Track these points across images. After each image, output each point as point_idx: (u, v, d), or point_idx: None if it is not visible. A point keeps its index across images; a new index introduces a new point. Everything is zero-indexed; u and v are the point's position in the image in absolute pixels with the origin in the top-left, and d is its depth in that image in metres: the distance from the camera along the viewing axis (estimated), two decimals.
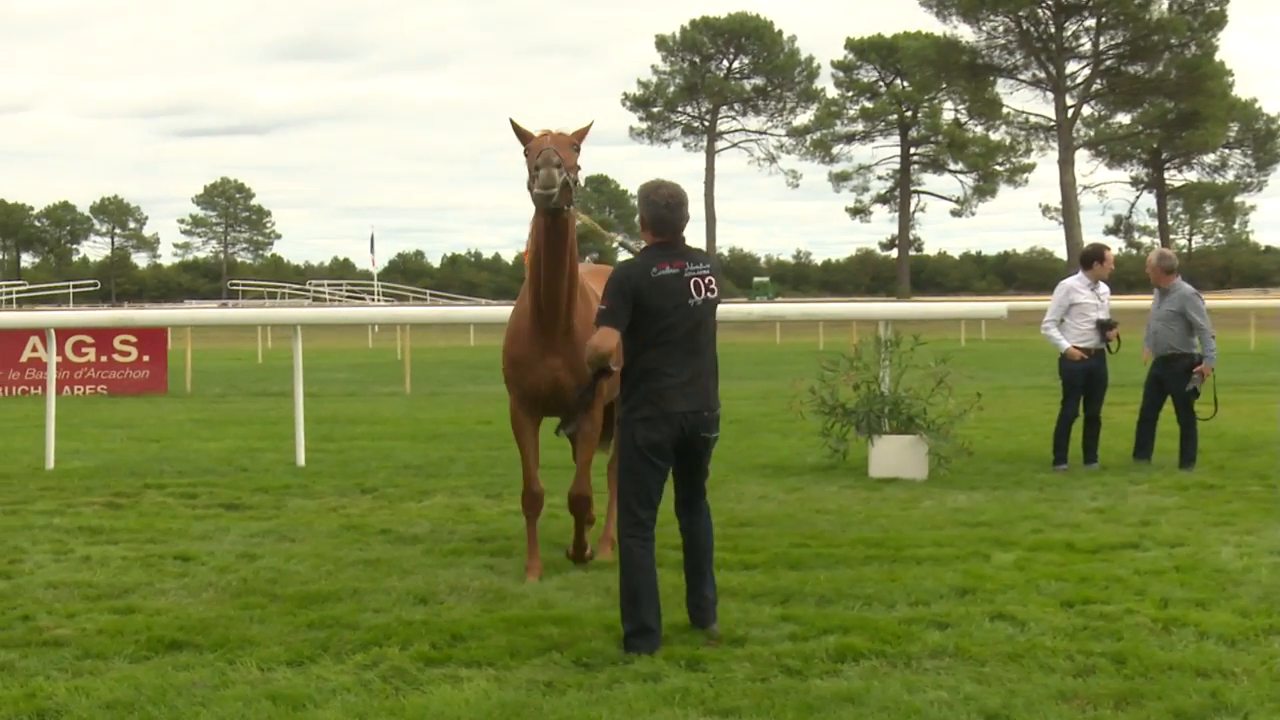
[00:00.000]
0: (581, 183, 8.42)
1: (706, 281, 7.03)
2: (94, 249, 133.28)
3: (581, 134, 8.32)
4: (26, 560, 9.35)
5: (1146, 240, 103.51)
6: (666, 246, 7.06)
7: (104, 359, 25.46)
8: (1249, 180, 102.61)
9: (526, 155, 8.08)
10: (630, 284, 6.90)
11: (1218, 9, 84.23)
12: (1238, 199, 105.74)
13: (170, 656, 6.95)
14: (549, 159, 7.84)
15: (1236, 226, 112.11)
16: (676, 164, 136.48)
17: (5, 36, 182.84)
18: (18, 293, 79.12)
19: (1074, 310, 13.42)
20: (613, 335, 6.92)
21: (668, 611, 7.11)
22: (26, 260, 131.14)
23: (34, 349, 24.78)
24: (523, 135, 8.22)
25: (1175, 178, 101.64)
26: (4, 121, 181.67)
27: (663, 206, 7.07)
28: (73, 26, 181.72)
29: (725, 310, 22.72)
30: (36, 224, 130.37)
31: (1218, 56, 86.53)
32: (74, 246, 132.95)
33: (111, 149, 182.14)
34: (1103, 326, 13.34)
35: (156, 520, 10.94)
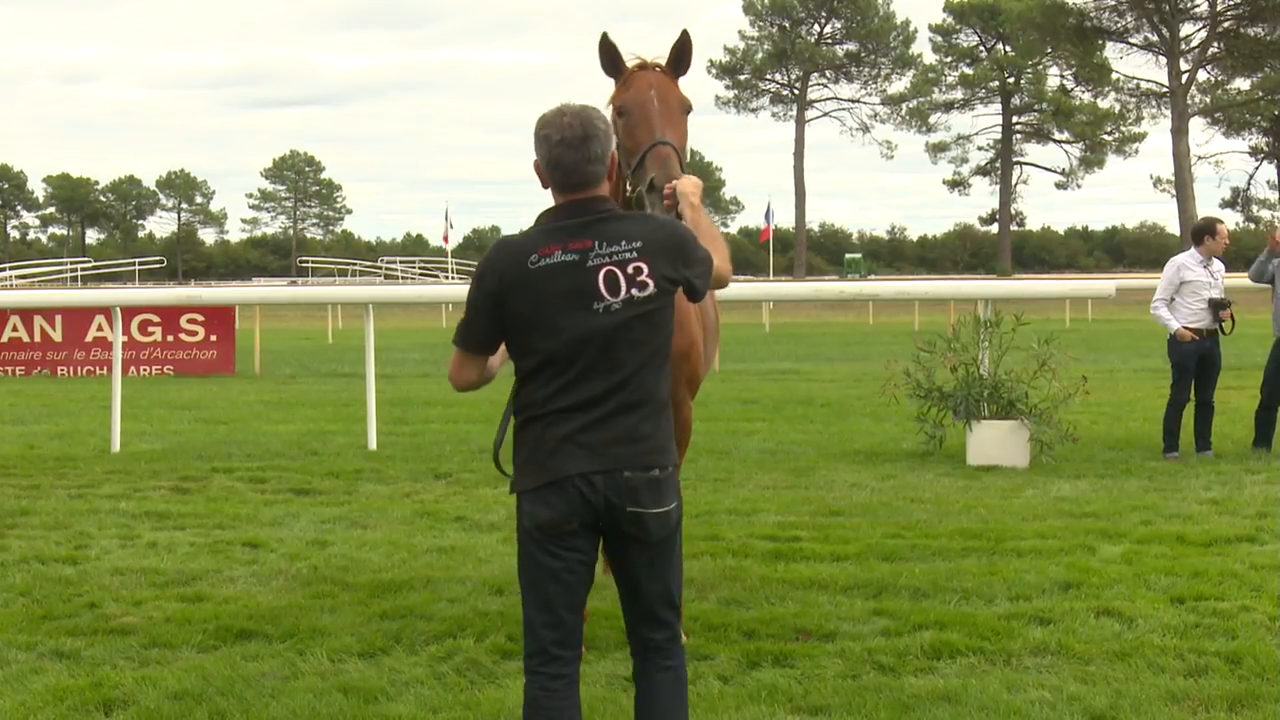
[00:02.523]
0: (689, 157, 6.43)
1: (630, 270, 4.53)
2: (160, 224, 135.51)
3: (682, 72, 6.49)
4: (93, 546, 9.53)
5: (1266, 214, 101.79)
6: (568, 212, 4.61)
7: (170, 338, 25.80)
8: None
9: (619, 110, 6.22)
10: (492, 279, 4.58)
11: None
12: None
13: (239, 646, 7.06)
14: (663, 155, 5.95)
15: None
16: (764, 134, 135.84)
17: (69, 4, 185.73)
18: (83, 270, 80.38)
19: (1185, 288, 13.22)
20: (466, 365, 4.78)
21: (758, 604, 7.07)
22: (92, 236, 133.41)
23: (99, 328, 25.24)
24: (615, 62, 6.46)
25: None
26: (68, 92, 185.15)
27: (557, 143, 4.57)
28: None
29: (816, 288, 22.60)
30: (102, 199, 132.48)
31: None
32: (140, 222, 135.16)
33: (177, 121, 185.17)
34: (1215, 306, 13.13)
35: (225, 505, 11.11)
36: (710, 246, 4.95)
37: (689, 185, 5.57)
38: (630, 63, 6.39)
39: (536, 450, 4.56)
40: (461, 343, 4.73)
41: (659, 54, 6.42)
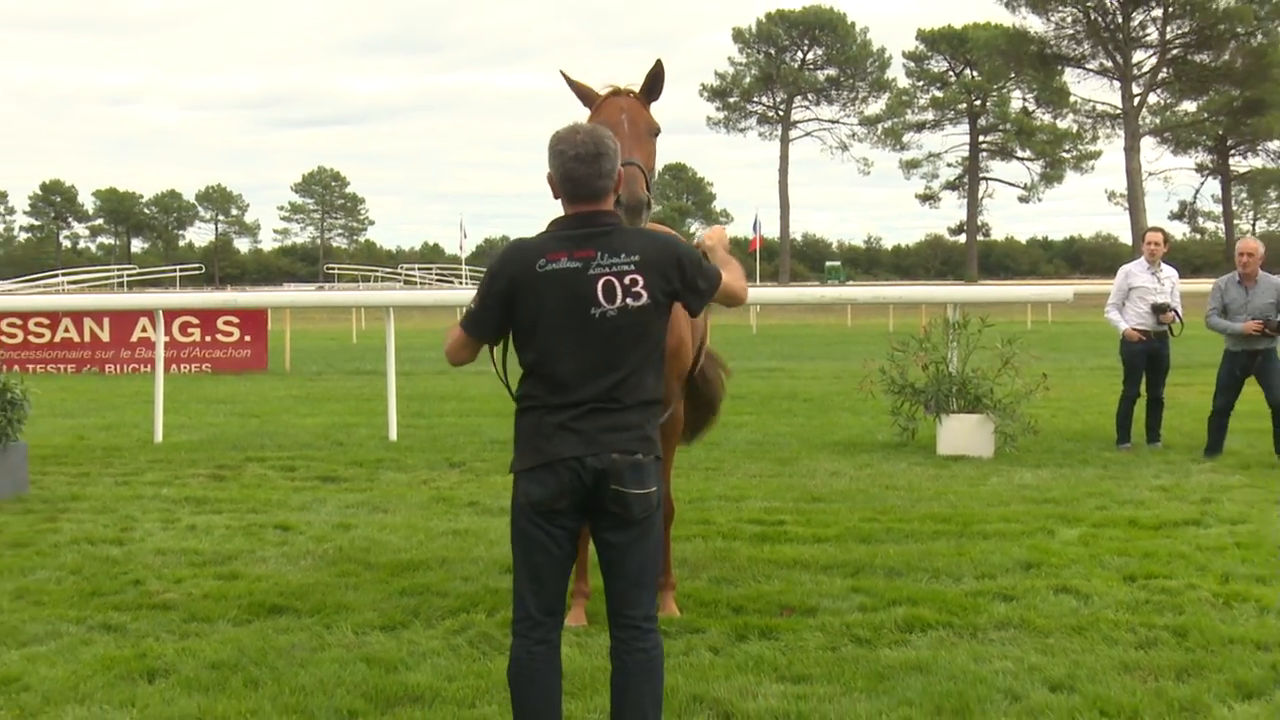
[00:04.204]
0: (656, 176, 6.39)
1: (627, 281, 4.56)
2: (199, 234, 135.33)
3: (654, 98, 6.33)
4: (137, 528, 9.52)
5: (1210, 226, 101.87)
6: (576, 223, 4.64)
7: (208, 339, 25.79)
8: None
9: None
10: (504, 278, 4.63)
11: None
12: None
13: (271, 620, 7.05)
14: (629, 176, 5.77)
15: None
16: (752, 152, 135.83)
17: (114, 33, 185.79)
18: (128, 276, 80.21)
19: (1133, 294, 13.25)
20: (466, 347, 4.86)
21: (745, 582, 7.05)
22: (136, 245, 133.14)
23: (143, 329, 25.27)
24: (585, 94, 6.40)
25: (1240, 164, 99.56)
26: (114, 114, 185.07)
27: (571, 158, 4.61)
28: (176, 24, 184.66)
29: (799, 293, 22.55)
30: (146, 211, 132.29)
31: None
32: (180, 232, 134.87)
33: (215, 139, 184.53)
34: (1156, 310, 13.12)
35: (257, 491, 11.10)
36: (724, 268, 5.00)
37: (714, 236, 5.45)
38: (604, 90, 6.33)
39: (535, 435, 4.62)
40: (469, 329, 4.77)
41: (634, 81, 6.35)
